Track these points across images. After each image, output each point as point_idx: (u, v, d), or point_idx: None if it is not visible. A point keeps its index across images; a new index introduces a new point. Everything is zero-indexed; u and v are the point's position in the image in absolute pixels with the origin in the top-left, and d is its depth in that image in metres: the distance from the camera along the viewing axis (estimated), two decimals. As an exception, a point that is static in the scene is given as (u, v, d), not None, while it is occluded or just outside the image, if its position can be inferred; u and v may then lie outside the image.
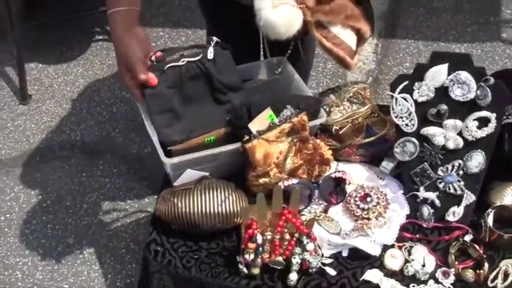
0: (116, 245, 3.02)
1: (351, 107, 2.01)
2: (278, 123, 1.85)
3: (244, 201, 1.82)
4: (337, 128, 1.99)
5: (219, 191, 1.81)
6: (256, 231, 1.65)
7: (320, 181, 1.83)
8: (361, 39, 1.94)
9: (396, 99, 1.81)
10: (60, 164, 3.41)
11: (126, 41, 1.81)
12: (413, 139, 1.81)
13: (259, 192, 1.71)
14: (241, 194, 1.83)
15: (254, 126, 1.85)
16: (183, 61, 1.85)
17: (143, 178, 3.32)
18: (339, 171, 1.88)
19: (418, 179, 1.82)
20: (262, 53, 2.22)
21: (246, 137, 1.83)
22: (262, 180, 1.84)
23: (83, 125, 3.60)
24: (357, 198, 1.84)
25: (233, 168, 1.90)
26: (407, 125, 1.81)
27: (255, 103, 1.93)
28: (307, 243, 1.66)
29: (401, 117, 1.81)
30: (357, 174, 1.95)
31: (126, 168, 3.37)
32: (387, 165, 1.90)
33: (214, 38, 1.88)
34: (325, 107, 2.01)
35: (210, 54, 1.86)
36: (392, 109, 1.83)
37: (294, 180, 1.82)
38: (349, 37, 1.91)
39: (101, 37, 4.16)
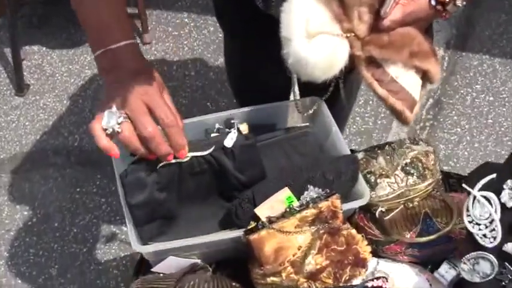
0: (104, 283, 2.63)
1: (406, 180, 1.51)
2: (298, 208, 1.36)
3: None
4: (383, 210, 1.49)
5: (208, 298, 1.32)
6: None
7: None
8: (425, 83, 1.43)
9: (474, 197, 1.29)
10: (52, 173, 3.01)
11: (146, 76, 1.32)
12: (491, 256, 1.30)
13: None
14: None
15: (263, 210, 1.37)
16: (186, 156, 1.38)
17: (146, 202, 2.85)
18: (377, 278, 1.38)
19: (488, 307, 1.30)
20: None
21: (252, 224, 1.36)
22: (270, 280, 1.38)
23: (84, 127, 3.18)
24: (399, 320, 1.36)
25: (233, 253, 1.45)
26: (485, 235, 1.30)
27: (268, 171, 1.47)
28: None
29: (479, 225, 1.30)
30: (402, 280, 1.47)
31: (127, 188, 2.90)
32: (446, 272, 1.44)
33: (236, 121, 1.46)
34: (369, 176, 1.51)
35: (229, 141, 1.41)
36: (467, 210, 1.31)
37: (314, 291, 1.33)
38: (411, 82, 1.40)
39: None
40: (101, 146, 1.28)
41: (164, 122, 1.28)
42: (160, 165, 1.36)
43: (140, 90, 1.28)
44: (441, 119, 3.06)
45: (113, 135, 1.26)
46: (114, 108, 1.25)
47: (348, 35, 1.32)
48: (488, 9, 3.57)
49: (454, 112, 3.10)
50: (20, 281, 2.65)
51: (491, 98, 3.15)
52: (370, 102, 3.15)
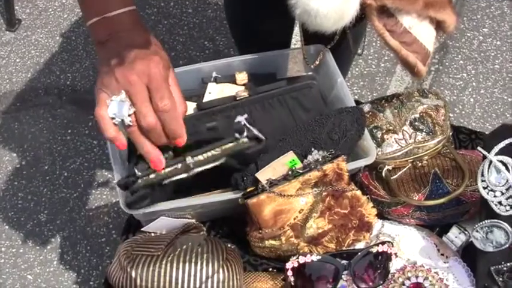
0: (95, 231, 2.52)
1: (414, 136, 1.41)
2: (301, 171, 1.26)
3: (238, 280, 1.25)
4: (390, 169, 1.39)
5: (199, 264, 1.23)
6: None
7: (352, 259, 1.25)
8: (439, 33, 1.35)
9: (490, 162, 1.19)
10: (43, 113, 2.91)
11: (150, 53, 1.16)
12: (506, 225, 1.21)
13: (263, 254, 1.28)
14: (235, 267, 1.26)
15: (264, 175, 1.26)
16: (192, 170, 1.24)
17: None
18: (382, 243, 1.28)
19: (501, 279, 1.24)
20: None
21: (250, 188, 1.26)
22: (268, 243, 1.29)
23: (77, 65, 3.05)
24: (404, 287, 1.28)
25: (230, 212, 1.36)
26: (500, 203, 1.20)
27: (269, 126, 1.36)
28: None
29: (494, 191, 1.21)
30: (408, 244, 1.37)
31: (120, 130, 2.80)
32: (456, 237, 1.34)
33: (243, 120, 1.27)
34: (376, 131, 1.42)
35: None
36: (482, 175, 1.21)
37: (315, 257, 1.23)
38: (425, 33, 1.31)
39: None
40: (108, 136, 1.13)
41: (158, 106, 1.12)
42: (167, 181, 1.23)
43: (143, 71, 1.12)
44: (447, 63, 2.95)
45: (118, 124, 1.12)
46: (123, 96, 1.11)
47: None
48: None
49: (460, 56, 2.99)
50: (7, 227, 2.56)
51: (498, 43, 3.03)
52: (374, 44, 3.03)
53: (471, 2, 3.15)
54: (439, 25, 1.32)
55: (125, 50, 1.14)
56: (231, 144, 1.25)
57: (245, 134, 1.24)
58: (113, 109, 1.11)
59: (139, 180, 1.22)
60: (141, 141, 1.15)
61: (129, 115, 1.11)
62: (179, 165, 1.23)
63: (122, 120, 1.11)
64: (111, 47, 1.16)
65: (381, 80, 2.89)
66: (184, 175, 1.22)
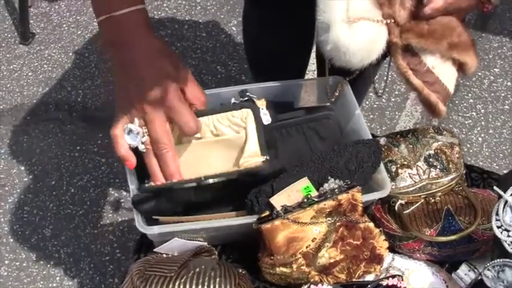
0: (99, 249, 2.49)
1: (428, 172, 1.41)
2: (317, 199, 1.26)
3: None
4: (403, 203, 1.39)
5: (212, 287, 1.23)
6: None
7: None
8: (459, 74, 1.36)
9: (506, 202, 1.18)
10: (52, 128, 2.89)
11: (167, 65, 1.20)
12: (519, 265, 1.19)
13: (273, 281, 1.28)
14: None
15: (279, 199, 1.27)
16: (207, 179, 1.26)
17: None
18: (392, 277, 1.28)
19: (511, 320, 1.21)
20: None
21: (266, 213, 1.27)
22: (280, 270, 1.29)
23: (88, 82, 3.04)
24: (412, 323, 1.27)
25: (242, 237, 1.36)
26: (514, 243, 1.18)
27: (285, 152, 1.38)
28: None
29: (508, 231, 1.19)
30: (417, 278, 1.37)
31: (129, 149, 2.79)
32: (465, 274, 1.34)
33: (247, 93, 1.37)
34: (390, 165, 1.42)
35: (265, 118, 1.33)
36: (497, 214, 1.20)
37: (325, 286, 1.24)
38: (447, 74, 1.32)
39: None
40: (120, 154, 1.20)
41: (184, 131, 1.22)
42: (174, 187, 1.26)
43: (159, 99, 1.17)
44: (456, 101, 2.95)
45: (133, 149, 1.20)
46: (136, 125, 1.18)
47: (388, 21, 1.23)
48: (512, -9, 3.44)
49: (470, 95, 2.99)
50: (11, 240, 2.54)
51: (509, 83, 3.03)
52: (384, 78, 3.03)
53: (483, 41, 3.15)
54: (460, 66, 1.32)
55: (136, 66, 1.18)
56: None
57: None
58: (128, 139, 1.18)
59: (147, 185, 1.24)
60: (151, 164, 1.21)
61: (143, 142, 1.17)
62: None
63: (137, 147, 1.18)
64: (121, 60, 1.20)
65: (390, 114, 2.89)
66: (194, 184, 1.24)
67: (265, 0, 1.72)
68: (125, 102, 1.19)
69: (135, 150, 1.22)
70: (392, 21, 1.24)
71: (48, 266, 2.47)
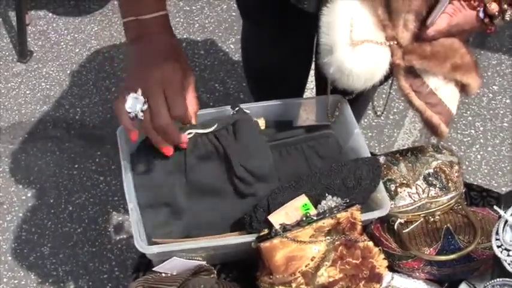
0: (97, 267, 2.48)
1: (428, 191, 1.41)
2: (315, 218, 1.26)
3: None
4: (402, 222, 1.39)
5: (211, 307, 1.23)
6: None
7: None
8: (461, 94, 1.36)
9: (506, 221, 1.18)
10: (50, 146, 2.87)
11: (172, 61, 1.27)
12: (519, 285, 1.18)
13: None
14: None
15: (278, 217, 1.27)
16: (190, 133, 1.32)
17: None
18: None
19: (510, 338, 1.21)
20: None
21: (264, 231, 1.27)
22: None
23: (86, 100, 3.03)
24: None
25: (241, 256, 1.37)
26: (514, 263, 1.18)
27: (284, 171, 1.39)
28: None
29: (508, 250, 1.19)
30: (417, 298, 1.35)
31: (127, 167, 2.79)
32: None
33: (240, 106, 1.39)
34: (389, 184, 1.41)
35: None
36: (497, 234, 1.20)
37: (324, 308, 1.23)
38: (450, 95, 1.32)
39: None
40: (124, 125, 1.26)
41: (171, 114, 1.24)
42: None
43: (164, 78, 1.23)
44: (455, 119, 2.94)
45: (133, 119, 1.24)
46: (139, 93, 1.22)
47: (391, 42, 1.22)
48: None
49: (468, 112, 2.99)
50: (10, 258, 2.53)
51: (508, 101, 3.03)
52: (383, 96, 3.03)
53: (482, 59, 3.15)
54: (463, 87, 1.32)
55: (150, 53, 1.27)
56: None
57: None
58: (129, 104, 1.22)
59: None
60: (152, 134, 1.25)
61: (142, 111, 1.22)
62: None
63: (136, 114, 1.22)
64: (140, 48, 1.29)
65: (389, 132, 2.89)
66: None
67: (263, 19, 1.72)
68: (130, 78, 1.28)
69: None
70: (395, 43, 1.24)
71: (47, 284, 2.46)
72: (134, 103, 1.23)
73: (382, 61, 1.24)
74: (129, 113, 1.23)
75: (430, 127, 1.31)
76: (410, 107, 1.30)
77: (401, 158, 1.47)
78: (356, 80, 1.23)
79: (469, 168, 2.79)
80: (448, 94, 1.30)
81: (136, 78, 1.25)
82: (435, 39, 1.25)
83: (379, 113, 1.67)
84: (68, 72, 3.18)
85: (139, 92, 1.22)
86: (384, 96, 2.97)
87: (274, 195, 1.28)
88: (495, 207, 1.23)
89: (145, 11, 1.27)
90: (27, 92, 3.10)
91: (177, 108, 1.23)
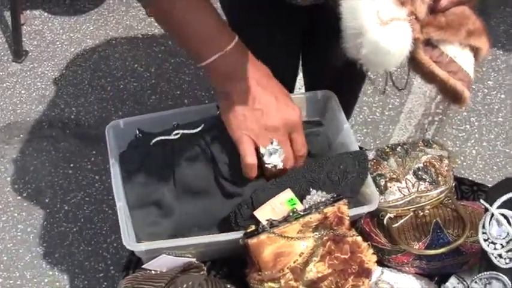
0: (93, 266, 2.49)
1: (417, 185, 1.41)
2: (302, 213, 1.25)
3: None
4: (392, 216, 1.39)
5: (200, 304, 1.23)
6: None
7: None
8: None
9: (492, 215, 1.18)
10: (46, 146, 2.88)
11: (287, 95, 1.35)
12: (505, 278, 1.19)
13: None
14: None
15: (264, 213, 1.27)
16: (176, 134, 1.32)
17: (143, 182, 2.74)
18: (381, 291, 1.26)
19: (499, 333, 1.22)
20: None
21: (252, 227, 1.26)
22: (268, 286, 1.27)
23: (81, 99, 3.04)
24: None
25: (230, 252, 1.36)
26: (500, 256, 1.20)
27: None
28: None
29: (494, 244, 1.20)
30: (406, 292, 1.35)
31: (122, 165, 2.79)
32: (455, 287, 1.34)
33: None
34: (379, 178, 1.41)
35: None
36: (483, 227, 1.21)
37: (313, 303, 1.23)
38: (467, 61, 1.32)
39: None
40: (248, 163, 1.28)
41: (299, 151, 1.33)
42: (154, 140, 1.32)
43: (288, 121, 1.30)
44: (450, 114, 2.95)
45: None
46: (275, 144, 1.26)
47: (410, 18, 1.23)
48: (504, 3, 3.44)
49: (464, 108, 2.98)
50: (5, 258, 2.53)
51: (502, 96, 3.03)
52: (378, 92, 3.04)
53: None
54: (475, 52, 1.34)
55: (260, 93, 1.28)
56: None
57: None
58: (267, 158, 1.26)
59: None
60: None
61: (282, 161, 1.27)
62: None
63: (275, 165, 1.27)
64: (242, 87, 1.27)
65: (384, 128, 2.89)
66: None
67: (243, 20, 1.72)
68: (248, 129, 1.27)
69: None
70: (414, 18, 1.25)
71: (43, 283, 2.46)
72: (274, 157, 1.27)
73: (408, 36, 1.24)
74: (268, 164, 1.27)
75: (453, 95, 1.30)
76: (431, 80, 1.30)
77: (391, 152, 1.47)
78: (391, 58, 1.22)
79: (464, 163, 2.79)
80: (465, 60, 1.30)
81: (258, 126, 1.27)
82: (447, 9, 1.26)
83: (383, 90, 1.68)
84: (64, 71, 3.18)
85: (275, 142, 1.26)
86: (378, 93, 2.98)
87: (257, 192, 1.28)
88: (481, 200, 1.23)
89: (226, 42, 1.26)
90: (23, 91, 3.11)
91: (303, 149, 1.32)
